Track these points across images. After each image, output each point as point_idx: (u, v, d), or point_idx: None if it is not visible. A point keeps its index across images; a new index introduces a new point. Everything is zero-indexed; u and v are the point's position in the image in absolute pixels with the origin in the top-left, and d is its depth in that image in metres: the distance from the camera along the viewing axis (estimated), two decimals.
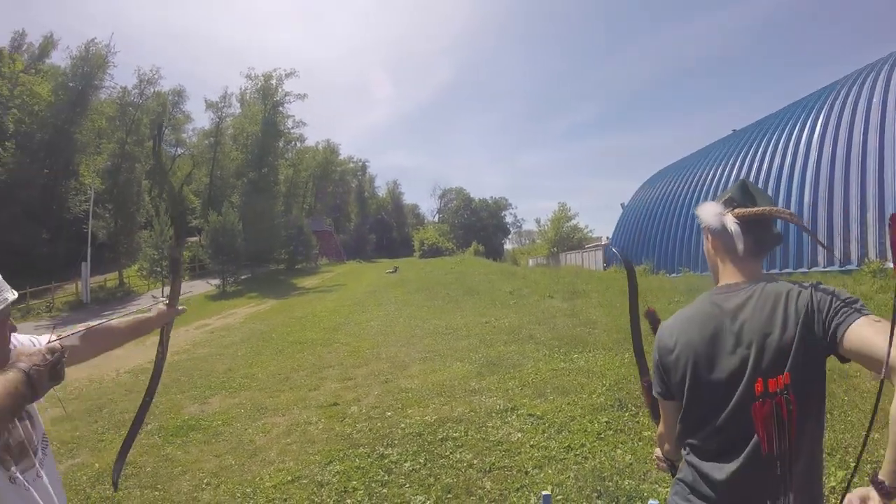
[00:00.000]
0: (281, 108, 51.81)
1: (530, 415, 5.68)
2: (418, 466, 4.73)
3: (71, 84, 42.24)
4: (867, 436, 1.27)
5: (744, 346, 1.54)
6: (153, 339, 2.31)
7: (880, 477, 1.15)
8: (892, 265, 13.30)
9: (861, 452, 1.39)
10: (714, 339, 1.59)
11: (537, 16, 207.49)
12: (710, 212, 1.78)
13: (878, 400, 1.23)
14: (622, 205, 39.35)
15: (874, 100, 17.58)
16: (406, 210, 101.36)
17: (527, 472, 4.41)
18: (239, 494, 4.61)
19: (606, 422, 5.35)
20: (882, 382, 1.23)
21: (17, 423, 1.52)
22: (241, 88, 56.37)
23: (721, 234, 1.73)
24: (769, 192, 20.64)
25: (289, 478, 4.81)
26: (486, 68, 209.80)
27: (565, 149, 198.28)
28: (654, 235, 28.76)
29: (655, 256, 27.19)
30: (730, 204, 1.74)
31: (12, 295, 1.57)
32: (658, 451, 2.05)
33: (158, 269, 32.05)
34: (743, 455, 1.52)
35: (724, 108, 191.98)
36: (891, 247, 1.22)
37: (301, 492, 4.51)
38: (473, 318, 12.92)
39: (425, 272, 28.86)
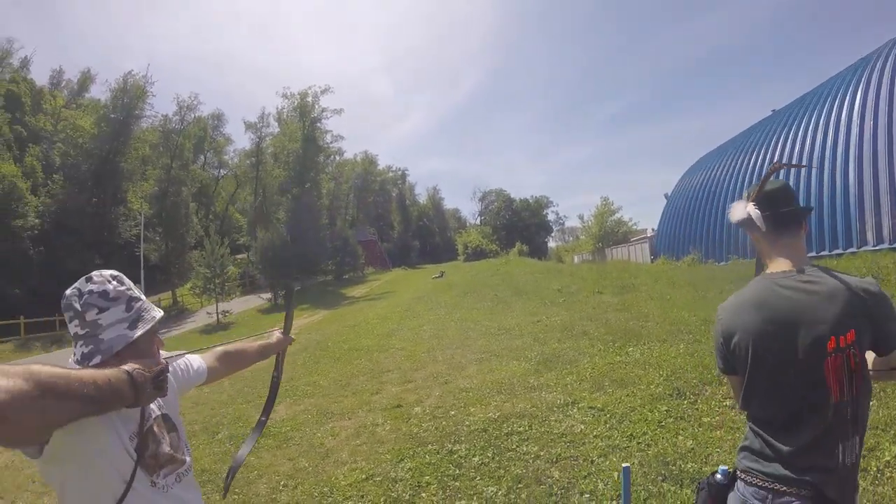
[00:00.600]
0: (319, 124, 52.67)
1: (591, 407, 5.82)
2: (487, 460, 4.91)
3: (112, 115, 43.76)
4: None
5: (803, 325, 1.73)
6: None
7: None
8: None
9: None
10: (772, 320, 1.78)
11: (566, 8, 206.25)
12: (736, 210, 2.05)
13: None
14: (666, 195, 38.92)
15: None
16: (447, 215, 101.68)
17: (592, 461, 4.57)
18: (317, 494, 4.85)
19: (666, 410, 5.46)
20: None
21: (166, 435, 1.68)
22: (278, 108, 57.35)
23: (750, 224, 1.96)
24: (812, 172, 20.30)
25: (363, 476, 5.03)
26: (518, 67, 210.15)
27: (603, 142, 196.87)
28: (700, 224, 28.39)
29: (703, 245, 26.85)
30: (749, 196, 2.01)
31: (159, 313, 1.71)
32: None
33: (211, 286, 32.81)
34: (808, 420, 1.73)
35: (763, 87, 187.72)
36: None
37: (376, 488, 4.73)
38: (524, 317, 13.02)
39: (471, 275, 28.94)
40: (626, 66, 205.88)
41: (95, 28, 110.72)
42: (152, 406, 1.65)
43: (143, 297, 1.70)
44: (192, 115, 51.14)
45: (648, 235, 44.13)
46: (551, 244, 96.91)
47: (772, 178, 2.02)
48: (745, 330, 1.84)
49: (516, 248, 54.47)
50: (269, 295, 36.37)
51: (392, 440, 5.89)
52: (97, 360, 1.49)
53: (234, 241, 54.09)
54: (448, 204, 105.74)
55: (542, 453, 4.86)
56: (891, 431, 4.30)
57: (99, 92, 54.14)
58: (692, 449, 4.58)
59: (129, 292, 1.64)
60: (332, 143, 56.11)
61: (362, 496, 4.65)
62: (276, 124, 56.24)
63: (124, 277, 1.69)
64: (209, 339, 24.48)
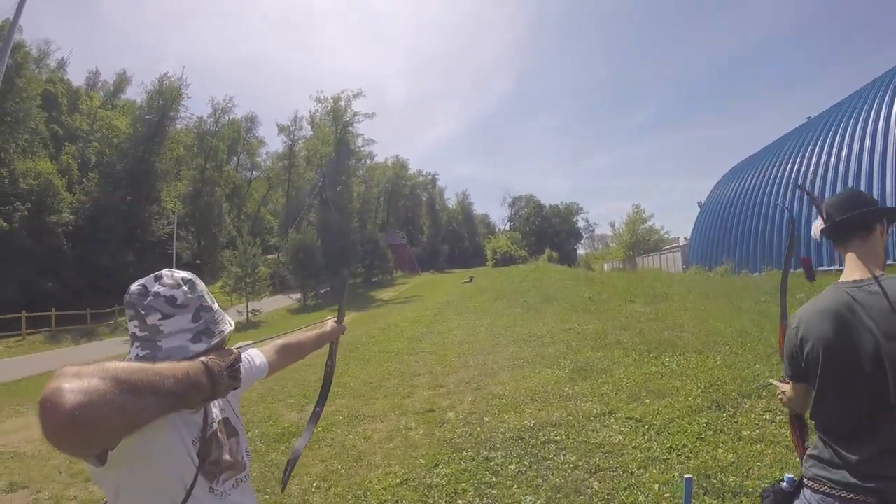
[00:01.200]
0: (351, 128, 53.08)
1: (628, 418, 5.74)
2: (524, 468, 4.85)
3: (147, 117, 45.15)
4: None
5: (877, 334, 1.69)
6: None
7: None
8: None
9: None
10: (847, 329, 1.76)
11: (595, 12, 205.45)
12: (814, 228, 2.15)
13: None
14: (699, 203, 38.54)
15: None
16: (476, 220, 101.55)
17: (632, 473, 4.49)
18: (350, 497, 4.81)
19: (706, 423, 5.36)
20: None
21: (226, 441, 1.60)
22: (310, 111, 58.05)
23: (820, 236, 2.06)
24: (849, 181, 19.99)
25: (397, 481, 4.99)
26: (547, 71, 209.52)
27: (634, 148, 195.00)
28: (733, 234, 28.07)
29: (737, 255, 26.52)
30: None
31: (229, 327, 1.62)
32: (784, 387, 2.22)
33: (242, 285, 33.19)
34: (876, 430, 1.73)
35: (798, 93, 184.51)
36: None
37: (412, 494, 4.69)
38: (556, 324, 12.93)
39: (500, 281, 28.87)
40: (658, 70, 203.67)
41: (132, 32, 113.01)
42: (214, 409, 1.59)
43: (215, 306, 1.62)
44: (227, 118, 52.16)
45: (681, 244, 43.73)
46: (580, 251, 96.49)
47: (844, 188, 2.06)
48: (818, 338, 1.84)
49: (546, 254, 54.25)
50: (298, 295, 36.67)
51: (426, 445, 5.86)
52: None
53: (265, 242, 54.76)
54: (477, 209, 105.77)
55: (580, 463, 4.79)
56: None
57: (134, 94, 55.76)
58: (733, 462, 4.50)
59: (199, 301, 1.55)
60: (363, 146, 56.62)
61: (397, 501, 4.62)
62: (309, 127, 56.93)
63: (198, 282, 1.60)
64: (240, 336, 24.70)
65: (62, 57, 54.00)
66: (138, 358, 1.43)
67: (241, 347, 1.73)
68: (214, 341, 1.52)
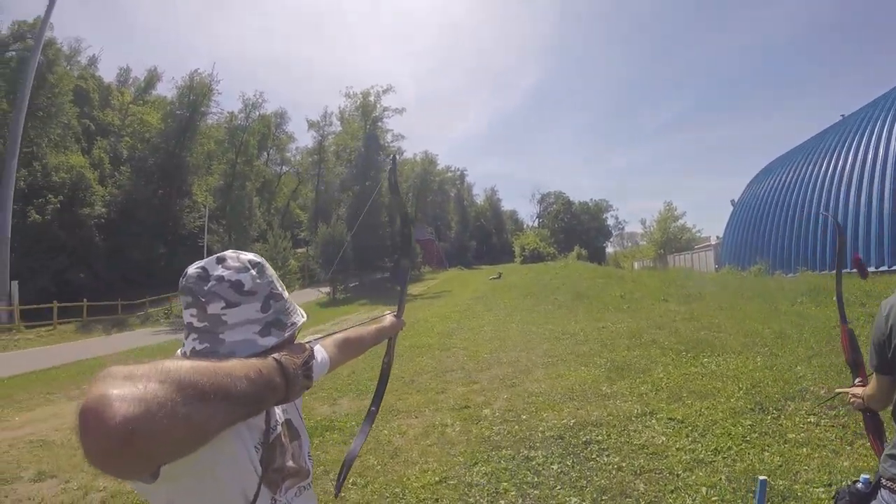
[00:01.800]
0: (380, 124, 53.25)
1: (670, 419, 5.66)
2: (566, 468, 4.79)
3: (178, 112, 45.81)
4: None
5: None
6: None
7: None
8: None
9: None
10: None
11: (626, 6, 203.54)
12: None
13: None
14: (732, 202, 38.01)
15: None
16: (505, 216, 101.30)
17: (677, 475, 4.42)
18: (388, 494, 4.72)
19: (750, 425, 5.29)
20: None
21: (289, 445, 1.42)
22: (340, 107, 58.18)
23: None
24: (886, 180, 19.63)
25: (436, 479, 4.91)
26: (576, 67, 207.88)
27: (666, 145, 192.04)
28: (767, 234, 27.60)
29: (771, 255, 26.06)
30: None
31: (302, 318, 1.42)
32: (856, 390, 2.16)
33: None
34: None
35: (831, 91, 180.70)
36: None
37: (451, 492, 4.62)
38: (588, 322, 12.83)
39: (529, 278, 28.75)
40: (689, 66, 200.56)
41: (162, 30, 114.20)
42: (277, 410, 1.40)
43: (285, 294, 1.40)
44: (257, 113, 52.43)
45: (713, 243, 43.20)
46: (609, 249, 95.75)
47: None
48: None
49: (575, 251, 53.92)
50: (328, 289, 36.86)
51: (463, 442, 5.80)
52: None
53: (295, 236, 55.18)
54: (505, 205, 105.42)
55: (623, 464, 4.72)
56: None
57: (165, 90, 56.11)
58: (780, 465, 4.43)
59: (269, 287, 1.33)
60: (392, 142, 56.66)
61: (437, 500, 4.55)
62: (339, 123, 57.15)
63: (267, 266, 1.38)
64: None
65: (93, 54, 54.58)
66: (195, 353, 1.23)
67: (312, 342, 1.49)
68: (286, 335, 1.32)
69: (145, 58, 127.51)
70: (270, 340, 1.27)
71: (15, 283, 27.39)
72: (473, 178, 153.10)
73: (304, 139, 75.85)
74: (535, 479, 4.66)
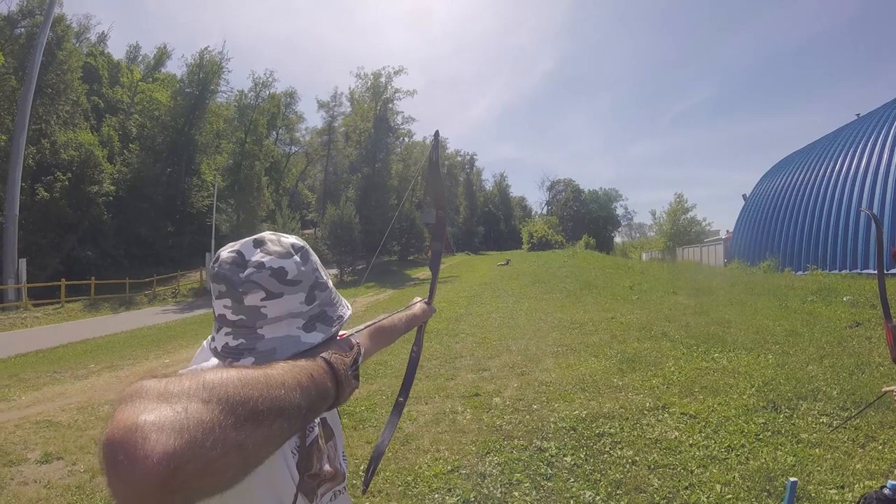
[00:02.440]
0: (391, 105, 53.13)
1: (683, 413, 5.65)
2: (580, 461, 4.77)
3: (188, 90, 45.93)
4: None
5: None
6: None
7: None
8: None
9: None
10: None
11: None
12: None
13: None
14: (744, 196, 37.83)
15: None
16: (513, 202, 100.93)
17: (691, 471, 4.40)
18: (399, 483, 4.68)
19: (763, 423, 5.27)
20: None
21: (325, 447, 1.27)
22: (350, 87, 58.09)
23: None
24: None
25: (448, 467, 4.88)
26: (591, 54, 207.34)
27: (679, 136, 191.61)
28: (778, 230, 27.45)
29: (781, 252, 25.97)
30: None
31: (348, 311, 1.25)
32: None
33: None
34: None
35: (847, 90, 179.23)
36: None
37: (465, 482, 4.58)
38: (597, 313, 12.83)
39: (537, 265, 28.74)
40: (705, 58, 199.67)
41: (173, 6, 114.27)
42: None
43: (330, 284, 1.23)
44: (267, 92, 52.28)
45: (723, 237, 43.02)
46: (617, 239, 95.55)
47: None
48: None
49: (583, 240, 53.86)
50: (335, 270, 36.95)
51: (475, 431, 5.77)
52: (247, 361, 1.03)
53: (303, 217, 55.22)
54: (514, 192, 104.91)
55: (637, 458, 4.71)
56: None
57: (175, 67, 56.53)
58: (793, 465, 4.41)
59: (314, 275, 1.14)
60: (402, 124, 56.56)
61: (450, 489, 4.50)
62: (349, 104, 57.00)
63: (310, 250, 1.19)
64: None
65: (103, 31, 54.38)
66: (228, 349, 1.06)
67: (355, 335, 1.28)
68: (332, 331, 1.14)
69: (155, 35, 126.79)
70: (316, 337, 1.10)
71: (23, 261, 27.42)
72: (483, 163, 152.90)
73: (314, 119, 75.72)
74: (549, 471, 4.63)
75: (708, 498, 4.02)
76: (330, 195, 52.18)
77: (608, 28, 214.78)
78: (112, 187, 38.19)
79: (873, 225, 19.11)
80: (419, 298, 2.25)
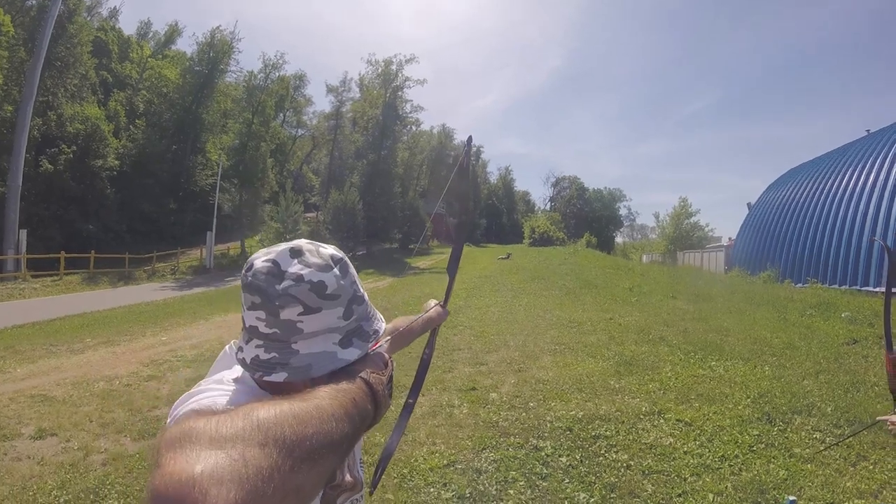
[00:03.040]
0: (400, 93, 52.97)
1: (678, 420, 5.67)
2: (575, 462, 4.80)
3: (197, 68, 45.92)
4: None
5: None
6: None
7: None
8: None
9: None
10: None
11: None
12: None
13: None
14: (749, 205, 37.80)
15: None
16: (517, 197, 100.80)
17: (685, 479, 4.43)
18: (395, 475, 4.66)
19: (757, 435, 5.29)
20: None
21: None
22: (360, 73, 57.91)
23: None
24: None
25: (444, 462, 4.88)
26: (601, 54, 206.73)
27: (686, 139, 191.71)
28: (781, 240, 27.42)
29: (782, 263, 25.96)
30: None
31: (382, 324, 1.16)
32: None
33: (281, 241, 33.63)
34: None
35: (859, 99, 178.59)
36: None
37: (460, 478, 4.59)
38: (596, 313, 12.85)
39: (538, 261, 28.73)
40: (721, 62, 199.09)
41: None
42: None
43: (366, 296, 1.15)
44: (277, 74, 52.12)
45: (725, 244, 42.98)
46: (618, 239, 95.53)
47: None
48: None
49: (585, 238, 53.84)
50: None
51: (471, 426, 5.79)
52: (279, 377, 0.99)
53: (306, 200, 55.16)
54: (518, 186, 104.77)
55: (632, 463, 4.73)
56: None
57: (185, 45, 56.16)
58: (785, 479, 4.43)
59: (352, 289, 1.08)
60: (411, 113, 56.39)
61: (445, 484, 4.51)
62: (358, 90, 56.85)
63: (348, 261, 1.11)
64: None
65: (114, 6, 54.14)
66: (258, 363, 1.00)
67: (384, 347, 1.22)
68: (368, 347, 1.08)
69: (167, 12, 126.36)
70: (352, 353, 1.04)
71: (23, 232, 27.35)
72: (489, 155, 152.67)
73: (322, 104, 75.34)
74: (545, 471, 4.65)
75: None
76: (334, 180, 52.16)
77: (617, 27, 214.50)
78: (116, 162, 38.13)
79: (886, 255, 19.11)
80: (435, 302, 2.22)
